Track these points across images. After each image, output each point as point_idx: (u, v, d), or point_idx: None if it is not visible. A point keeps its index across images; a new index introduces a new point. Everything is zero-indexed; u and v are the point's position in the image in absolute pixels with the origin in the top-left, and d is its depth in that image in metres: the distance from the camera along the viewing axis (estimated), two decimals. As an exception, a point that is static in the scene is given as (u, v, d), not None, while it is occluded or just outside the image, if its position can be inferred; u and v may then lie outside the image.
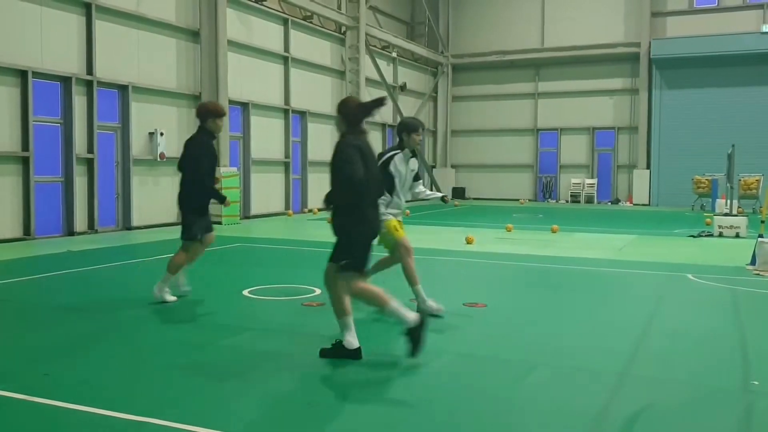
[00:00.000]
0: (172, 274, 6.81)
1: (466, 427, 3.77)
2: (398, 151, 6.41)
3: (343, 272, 4.95)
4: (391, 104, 26.11)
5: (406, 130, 6.42)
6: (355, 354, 4.92)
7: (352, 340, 4.94)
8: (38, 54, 12.80)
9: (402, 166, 6.39)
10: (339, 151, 4.94)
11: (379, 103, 5.07)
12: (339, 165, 4.88)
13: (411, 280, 6.44)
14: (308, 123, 21.09)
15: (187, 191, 6.73)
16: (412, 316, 4.86)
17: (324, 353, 5.00)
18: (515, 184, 29.07)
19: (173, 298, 6.82)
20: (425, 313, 5.14)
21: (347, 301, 4.99)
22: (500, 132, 29.14)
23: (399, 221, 6.50)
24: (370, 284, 5.09)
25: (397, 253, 6.43)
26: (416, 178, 6.67)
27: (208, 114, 6.73)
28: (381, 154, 6.28)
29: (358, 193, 4.86)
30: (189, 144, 6.77)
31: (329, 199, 5.03)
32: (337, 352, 4.95)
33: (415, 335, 4.80)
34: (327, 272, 5.07)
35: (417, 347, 4.81)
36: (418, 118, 7.08)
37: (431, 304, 6.39)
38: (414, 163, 6.56)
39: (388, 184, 6.18)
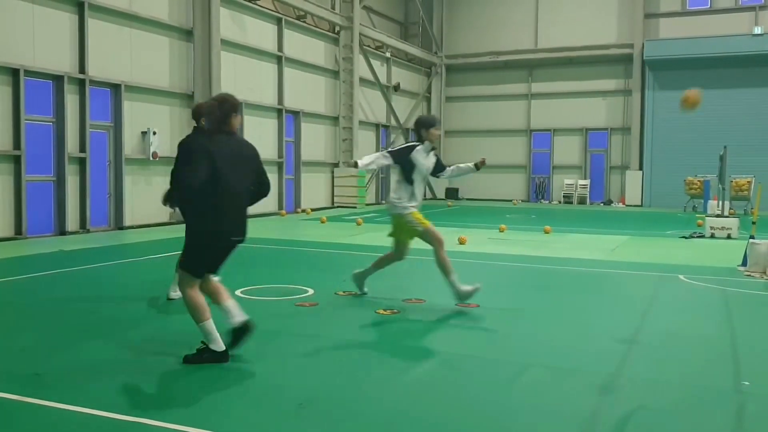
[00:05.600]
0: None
1: (457, 428, 3.77)
2: (419, 144, 6.81)
3: (183, 272, 4.87)
4: (385, 104, 26.15)
5: (424, 126, 6.83)
6: (223, 356, 4.78)
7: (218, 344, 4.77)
8: (30, 52, 12.73)
9: (422, 158, 6.75)
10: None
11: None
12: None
13: (445, 271, 6.74)
14: (302, 123, 21.08)
15: None
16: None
17: (188, 359, 4.79)
18: (508, 184, 29.09)
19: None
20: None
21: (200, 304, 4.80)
22: (493, 132, 29.18)
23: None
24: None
25: (431, 243, 6.79)
26: (441, 168, 7.05)
27: None
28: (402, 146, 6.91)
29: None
30: None
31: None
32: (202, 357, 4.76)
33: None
34: (180, 278, 4.92)
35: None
36: (434, 115, 7.56)
37: (466, 287, 6.70)
38: (432, 159, 6.92)
39: (406, 172, 6.70)
